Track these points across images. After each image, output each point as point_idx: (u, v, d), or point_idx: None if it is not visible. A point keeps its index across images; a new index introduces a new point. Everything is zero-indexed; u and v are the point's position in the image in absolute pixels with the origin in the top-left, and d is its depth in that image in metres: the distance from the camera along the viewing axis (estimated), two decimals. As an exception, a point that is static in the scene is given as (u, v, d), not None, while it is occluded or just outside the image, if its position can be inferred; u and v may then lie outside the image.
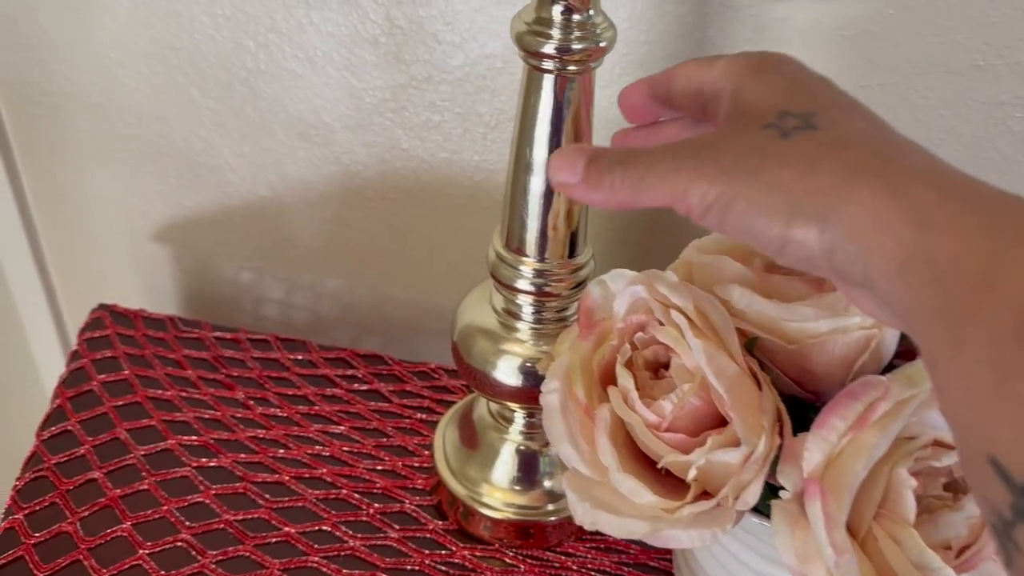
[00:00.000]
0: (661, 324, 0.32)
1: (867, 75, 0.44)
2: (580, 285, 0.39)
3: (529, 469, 0.43)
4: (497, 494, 0.43)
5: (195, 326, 0.54)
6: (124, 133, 0.57)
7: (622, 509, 0.29)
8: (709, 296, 0.31)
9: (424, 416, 0.50)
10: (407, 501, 0.45)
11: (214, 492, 0.44)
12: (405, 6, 0.48)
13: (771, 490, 0.29)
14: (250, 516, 0.43)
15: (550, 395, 0.32)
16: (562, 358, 0.34)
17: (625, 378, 0.31)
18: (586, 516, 0.30)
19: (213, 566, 0.41)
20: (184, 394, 0.50)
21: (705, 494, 0.30)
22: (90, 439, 0.46)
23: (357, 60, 0.50)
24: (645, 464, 0.31)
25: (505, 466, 0.44)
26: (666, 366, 0.32)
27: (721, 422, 0.30)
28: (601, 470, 0.30)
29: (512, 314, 0.40)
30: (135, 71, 0.54)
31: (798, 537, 0.27)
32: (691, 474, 0.29)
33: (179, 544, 0.42)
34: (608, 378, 0.33)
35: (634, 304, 0.33)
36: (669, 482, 0.30)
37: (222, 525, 0.43)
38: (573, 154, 0.26)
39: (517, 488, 0.43)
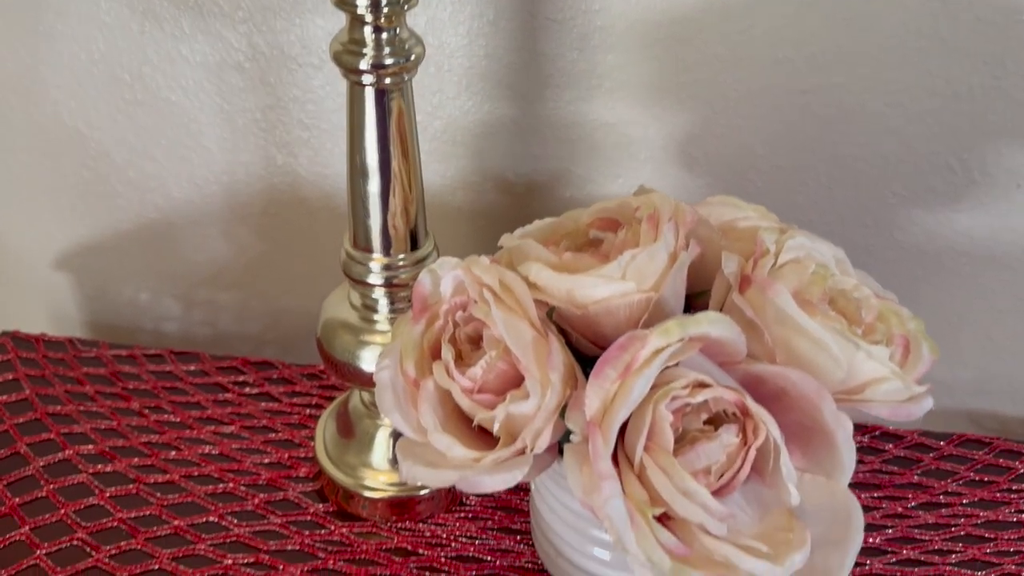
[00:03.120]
0: (476, 302, 0.36)
1: (681, 72, 0.49)
2: (426, 276, 0.43)
3: (397, 449, 0.47)
4: (372, 475, 0.47)
5: (93, 346, 0.58)
6: (17, 170, 0.60)
7: (439, 463, 0.33)
8: (513, 274, 0.35)
9: (312, 411, 0.54)
10: (291, 489, 0.49)
11: (108, 494, 0.47)
12: (265, 34, 0.52)
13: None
14: (142, 513, 0.47)
15: (382, 372, 0.36)
16: (396, 341, 0.38)
17: (447, 351, 0.35)
18: (408, 472, 0.34)
19: (107, 560, 0.44)
20: (82, 408, 0.53)
21: (518, 446, 0.34)
22: (-10, 455, 0.49)
23: (226, 86, 0.54)
24: (467, 426, 0.35)
25: (380, 449, 0.48)
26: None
27: (523, 382, 0.34)
28: (424, 433, 0.34)
29: (369, 307, 0.44)
30: (23, 111, 0.57)
31: (585, 473, 0.31)
32: (496, 427, 0.33)
33: (75, 543, 0.45)
34: (436, 355, 0.37)
35: (457, 287, 0.37)
36: (486, 439, 0.35)
37: (116, 523, 0.46)
38: None
39: (390, 468, 0.47)
